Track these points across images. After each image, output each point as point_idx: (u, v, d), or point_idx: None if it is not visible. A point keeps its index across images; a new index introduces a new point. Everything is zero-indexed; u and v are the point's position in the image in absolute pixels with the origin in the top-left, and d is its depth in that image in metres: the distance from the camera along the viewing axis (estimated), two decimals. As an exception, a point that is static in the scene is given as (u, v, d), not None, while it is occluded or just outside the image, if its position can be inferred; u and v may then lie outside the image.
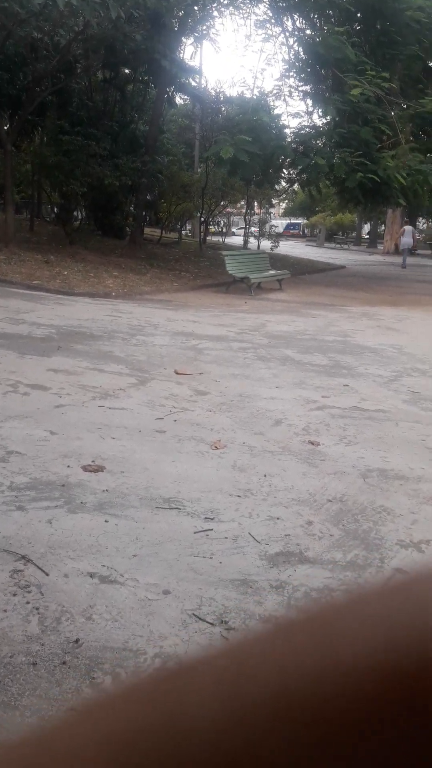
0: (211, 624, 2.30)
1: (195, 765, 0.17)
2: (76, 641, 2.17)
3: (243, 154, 12.63)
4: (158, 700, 0.18)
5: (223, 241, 25.02)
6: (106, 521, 2.96)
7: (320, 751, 0.16)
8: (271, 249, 19.98)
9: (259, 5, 15.85)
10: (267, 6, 15.82)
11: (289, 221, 42.24)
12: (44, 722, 0.20)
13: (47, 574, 2.51)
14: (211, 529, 2.96)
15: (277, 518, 3.11)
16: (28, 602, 2.35)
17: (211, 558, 2.72)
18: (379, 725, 0.16)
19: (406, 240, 23.64)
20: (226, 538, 2.89)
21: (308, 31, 15.96)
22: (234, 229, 30.61)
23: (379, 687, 0.16)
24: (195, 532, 2.92)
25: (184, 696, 0.18)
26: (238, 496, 3.33)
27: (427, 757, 0.16)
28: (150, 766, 0.17)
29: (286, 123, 16.38)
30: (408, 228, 24.35)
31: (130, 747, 0.18)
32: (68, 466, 3.53)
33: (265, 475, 3.61)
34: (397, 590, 0.18)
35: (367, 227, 42.69)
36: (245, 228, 22.84)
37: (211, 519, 3.06)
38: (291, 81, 16.41)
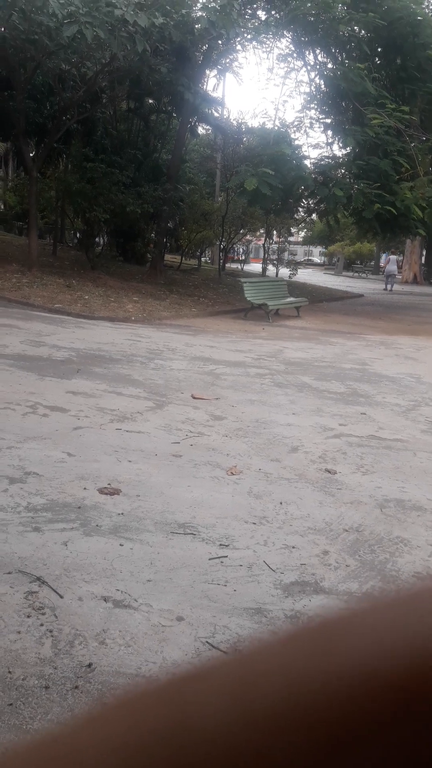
0: (225, 653, 2.27)
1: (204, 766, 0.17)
2: (89, 665, 2.15)
3: (265, 187, 12.82)
4: (164, 707, 0.19)
5: (242, 269, 25.22)
6: (121, 545, 2.96)
7: (324, 760, 0.16)
8: (290, 276, 20.09)
9: (282, 40, 16.21)
10: (289, 40, 16.16)
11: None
12: (49, 729, 0.20)
13: (62, 597, 2.51)
14: (226, 556, 2.94)
15: (293, 547, 3.09)
16: (41, 624, 2.35)
17: (225, 585, 2.70)
18: (382, 734, 0.16)
19: (391, 268, 26.12)
20: (241, 565, 2.87)
21: (329, 65, 16.25)
22: (252, 257, 30.94)
23: (382, 697, 0.17)
24: (210, 559, 2.91)
25: (190, 704, 0.18)
26: (254, 524, 3.31)
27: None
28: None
29: (306, 154, 16.63)
30: (392, 257, 27.07)
31: (135, 754, 0.18)
32: (85, 489, 3.54)
33: (281, 503, 3.59)
34: (398, 602, 0.19)
35: (385, 256, 42.77)
36: (264, 256, 23.03)
37: (226, 546, 3.04)
38: (312, 113, 16.69)
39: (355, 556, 3.05)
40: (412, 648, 0.17)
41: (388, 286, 25.71)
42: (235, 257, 26.39)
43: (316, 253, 52.07)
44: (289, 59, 16.78)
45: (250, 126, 19.23)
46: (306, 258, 25.25)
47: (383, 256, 28.40)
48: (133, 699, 0.20)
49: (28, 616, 2.39)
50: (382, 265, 28.85)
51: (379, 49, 15.15)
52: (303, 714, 0.17)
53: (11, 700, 1.98)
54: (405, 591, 0.19)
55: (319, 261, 49.39)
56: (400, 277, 29.59)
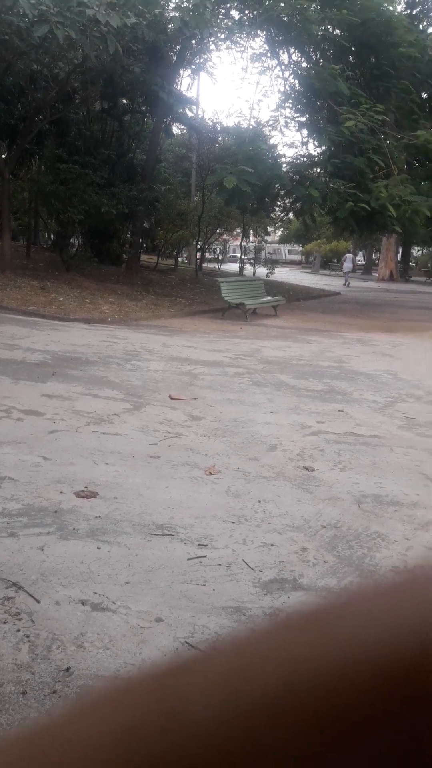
0: (204, 652, 2.27)
1: (196, 760, 0.17)
2: (67, 670, 2.13)
3: (244, 184, 12.85)
4: (159, 696, 0.19)
5: (219, 268, 25.24)
6: (98, 548, 2.94)
7: (320, 746, 0.17)
8: (267, 276, 20.15)
9: (256, 39, 16.26)
10: (263, 40, 16.22)
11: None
12: (44, 718, 0.20)
13: (38, 602, 2.48)
14: (205, 556, 2.93)
15: (271, 545, 3.09)
16: (18, 630, 2.32)
17: (204, 585, 2.69)
18: (377, 720, 0.17)
19: (348, 265, 29.42)
20: (220, 565, 2.87)
21: (304, 64, 16.34)
22: (230, 256, 31.08)
23: (376, 683, 0.17)
24: (188, 559, 2.90)
25: (185, 692, 0.18)
26: (232, 522, 3.31)
27: (430, 752, 0.16)
28: (151, 762, 0.17)
29: (282, 153, 16.68)
30: (349, 255, 30.69)
31: (131, 742, 0.18)
32: (61, 492, 3.51)
33: (259, 501, 3.60)
34: (392, 589, 0.19)
35: (362, 254, 43.25)
36: (241, 255, 23.08)
37: (205, 545, 3.04)
38: (287, 112, 16.77)
39: (333, 552, 3.06)
40: (409, 633, 0.17)
41: (346, 282, 28.24)
42: (219, 257, 26.44)
43: (285, 252, 52.64)
44: (264, 59, 16.85)
45: (225, 125, 19.28)
46: (270, 253, 26.27)
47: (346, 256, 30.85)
48: (124, 690, 0.20)
49: (5, 622, 2.36)
50: (342, 263, 31.70)
51: (353, 48, 15.26)
52: (293, 702, 0.17)
53: (-13, 708, 1.95)
54: (383, 583, 0.19)
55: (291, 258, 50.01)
56: (351, 273, 32.00)
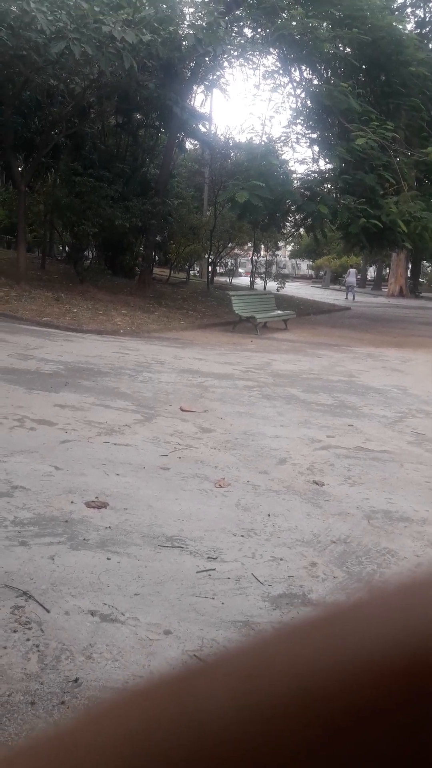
0: (212, 662, 2.26)
1: (205, 763, 0.17)
2: (76, 680, 2.14)
3: (256, 199, 12.96)
4: (174, 698, 0.19)
5: (230, 282, 25.34)
6: (108, 559, 2.95)
7: (332, 745, 0.17)
8: (278, 290, 20.20)
9: (268, 57, 16.44)
10: (275, 58, 16.40)
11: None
12: (52, 728, 0.21)
13: (48, 611, 2.50)
14: (214, 569, 2.94)
15: (281, 559, 3.09)
16: (28, 639, 2.33)
17: (213, 598, 2.69)
18: (382, 726, 0.17)
19: (350, 279, 29.75)
20: (229, 578, 2.87)
21: (315, 82, 16.50)
22: (241, 270, 31.29)
23: (384, 687, 0.17)
24: (197, 572, 2.90)
25: (200, 694, 0.19)
26: (242, 536, 3.31)
27: None
28: (160, 766, 0.18)
29: (293, 169, 16.77)
30: (352, 270, 31.22)
31: (140, 752, 0.18)
32: (72, 502, 3.53)
33: (268, 515, 3.60)
34: (403, 592, 0.20)
35: (372, 269, 43.30)
36: (252, 269, 23.17)
37: (214, 558, 3.04)
38: (298, 128, 16.91)
39: (343, 567, 3.05)
40: (419, 635, 0.18)
41: (349, 296, 28.58)
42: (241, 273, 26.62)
43: (300, 267, 52.99)
44: (276, 76, 17.04)
45: (237, 141, 19.43)
46: (280, 268, 26.84)
47: (349, 271, 31.57)
48: (135, 696, 0.20)
49: (15, 631, 2.37)
50: (344, 278, 32.39)
51: (364, 66, 15.41)
52: (303, 705, 0.17)
53: (-3, 717, 1.96)
54: (389, 595, 0.20)
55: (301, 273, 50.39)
56: (357, 288, 32.55)
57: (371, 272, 44.71)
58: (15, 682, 2.11)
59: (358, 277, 42.15)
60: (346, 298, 28.09)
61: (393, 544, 3.34)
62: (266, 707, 0.17)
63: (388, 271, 38.05)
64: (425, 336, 14.70)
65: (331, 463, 4.61)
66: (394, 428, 5.77)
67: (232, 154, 19.54)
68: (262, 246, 23.08)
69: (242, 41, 15.36)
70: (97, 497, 3.62)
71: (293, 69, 16.68)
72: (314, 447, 4.98)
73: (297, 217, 16.59)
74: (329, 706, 0.17)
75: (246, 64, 16.65)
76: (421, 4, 20.44)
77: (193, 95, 18.07)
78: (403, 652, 0.17)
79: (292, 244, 36.53)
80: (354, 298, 28.23)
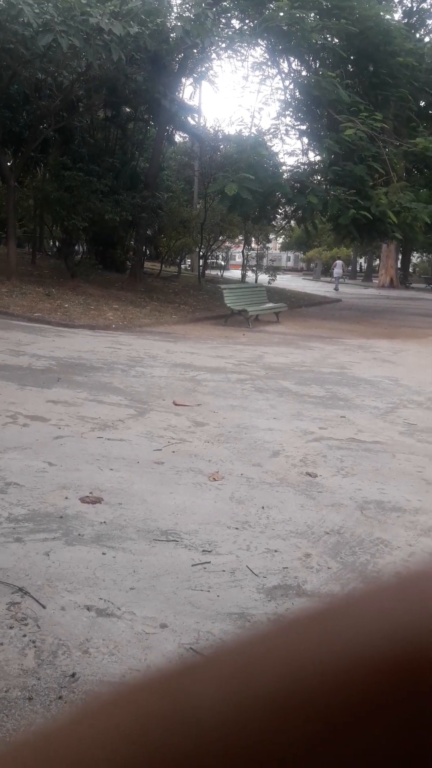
0: (208, 655, 2.28)
1: (201, 763, 0.18)
2: (73, 675, 2.15)
3: (246, 192, 12.92)
4: (171, 692, 0.19)
5: (222, 275, 25.31)
6: (103, 554, 2.96)
7: (324, 747, 0.17)
8: (269, 282, 20.20)
9: (256, 48, 16.37)
10: (264, 49, 16.33)
11: None
12: (50, 723, 0.21)
13: (44, 607, 2.50)
14: (209, 562, 2.95)
15: (275, 551, 3.11)
16: (24, 635, 2.34)
17: (208, 591, 2.71)
18: (385, 713, 0.17)
19: (337, 271, 30.78)
20: (224, 571, 2.89)
21: (303, 73, 16.44)
22: (222, 263, 31.23)
23: (381, 679, 0.18)
24: (192, 565, 2.92)
25: (197, 688, 0.19)
26: (236, 529, 3.33)
27: None
28: (157, 764, 0.18)
29: (283, 161, 16.75)
30: (339, 262, 32.01)
31: (137, 746, 0.19)
32: (66, 498, 3.53)
33: (262, 507, 3.62)
34: (396, 588, 0.20)
35: (362, 261, 43.37)
36: (243, 262, 23.15)
37: (209, 552, 3.06)
38: (287, 120, 16.87)
39: (337, 558, 3.08)
40: (414, 630, 0.18)
41: (336, 286, 29.62)
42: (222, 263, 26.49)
43: (291, 259, 52.91)
44: (264, 67, 16.96)
45: (226, 133, 19.38)
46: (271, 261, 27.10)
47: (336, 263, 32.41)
48: (132, 690, 0.20)
49: (11, 627, 2.38)
50: (332, 270, 33.25)
51: (352, 57, 15.37)
52: (300, 698, 0.18)
53: (-6, 712, 1.97)
54: (384, 586, 0.20)
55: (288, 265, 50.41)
56: (343, 279, 33.34)
57: (362, 264, 44.77)
58: (12, 677, 2.13)
59: (349, 268, 42.31)
60: (335, 289, 28.85)
61: (386, 534, 3.36)
62: (263, 701, 0.18)
63: (378, 262, 38.11)
64: (416, 327, 14.75)
65: (323, 454, 4.64)
66: (386, 419, 5.80)
67: (222, 146, 19.49)
68: (253, 239, 23.05)
69: (230, 33, 15.28)
70: (91, 492, 3.63)
71: (281, 60, 16.61)
72: (307, 439, 5.00)
73: (287, 209, 16.58)
74: (327, 700, 0.17)
75: (234, 55, 16.58)
76: (409, -6, 20.42)
77: (182, 88, 17.98)
78: (399, 643, 0.17)
79: (283, 236, 36.51)
80: (336, 288, 29.12)
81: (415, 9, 21.51)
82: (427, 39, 19.84)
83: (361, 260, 45.00)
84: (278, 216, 18.69)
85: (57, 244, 19.11)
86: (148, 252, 21.45)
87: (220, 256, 24.52)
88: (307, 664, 0.18)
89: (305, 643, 0.18)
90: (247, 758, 0.17)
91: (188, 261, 26.10)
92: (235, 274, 26.83)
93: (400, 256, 37.20)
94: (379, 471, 4.35)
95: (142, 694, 0.20)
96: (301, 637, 0.19)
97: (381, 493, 3.94)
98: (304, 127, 16.80)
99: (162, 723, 0.18)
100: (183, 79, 17.11)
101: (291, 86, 16.68)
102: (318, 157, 16.38)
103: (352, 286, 33.26)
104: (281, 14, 13.52)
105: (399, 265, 37.16)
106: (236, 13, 15.63)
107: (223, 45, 15.45)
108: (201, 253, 21.15)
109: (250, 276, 22.86)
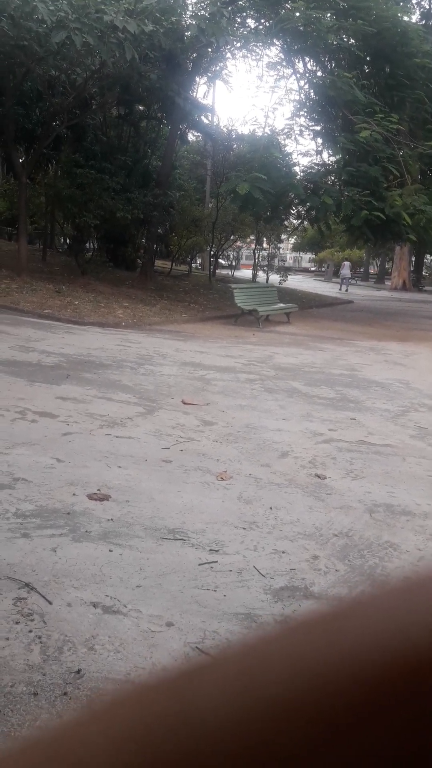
0: (214, 655, 2.27)
1: (207, 761, 0.17)
2: (78, 672, 2.14)
3: (257, 192, 12.89)
4: (176, 691, 0.19)
5: (232, 275, 25.29)
6: (110, 551, 2.95)
7: (334, 741, 0.17)
8: (280, 283, 20.15)
9: (271, 48, 16.31)
10: (279, 49, 16.28)
11: None
12: (55, 720, 0.20)
13: (50, 603, 2.50)
14: (216, 562, 2.94)
15: (283, 552, 3.09)
16: (30, 631, 2.33)
17: (215, 591, 2.70)
18: (390, 714, 0.17)
19: (345, 272, 30.96)
20: (231, 570, 2.87)
21: (319, 73, 16.38)
22: (223, 262, 31.26)
23: (387, 683, 0.17)
24: (199, 564, 2.90)
25: (202, 687, 0.19)
26: (244, 529, 3.31)
27: None
28: (161, 763, 0.18)
29: (296, 161, 16.69)
30: (347, 263, 32.02)
31: (142, 744, 0.18)
32: (74, 494, 3.53)
33: (270, 508, 3.60)
34: (404, 592, 0.19)
35: (375, 263, 43.23)
36: (254, 262, 23.12)
37: (216, 551, 3.04)
38: (302, 120, 16.80)
39: (345, 561, 3.05)
40: (417, 633, 0.18)
41: (343, 287, 29.78)
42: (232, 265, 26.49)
43: (302, 260, 52.90)
44: (279, 67, 16.90)
45: (240, 133, 19.34)
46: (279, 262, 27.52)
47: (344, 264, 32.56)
48: (137, 689, 0.20)
49: (17, 623, 2.37)
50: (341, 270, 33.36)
51: (368, 58, 15.28)
52: (305, 700, 0.17)
53: (-1, 708, 1.97)
54: (391, 589, 0.20)
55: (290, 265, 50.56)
56: (353, 280, 33.81)
57: (374, 266, 44.61)
58: (18, 673, 2.12)
59: (361, 270, 42.20)
60: (340, 290, 29.15)
61: (395, 537, 3.34)
62: (268, 702, 0.17)
63: (391, 264, 37.94)
64: (428, 330, 14.67)
65: (333, 456, 4.61)
66: (397, 422, 5.76)
67: (235, 146, 19.46)
68: (265, 239, 23.02)
69: (245, 32, 15.23)
70: (99, 489, 3.62)
71: (297, 60, 16.55)
72: (316, 440, 4.98)
73: (300, 209, 16.52)
74: (332, 702, 0.17)
75: (249, 55, 16.52)
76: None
77: (196, 86, 17.95)
78: (405, 648, 0.17)
79: (295, 237, 36.44)
80: (346, 289, 29.33)
81: (432, 11, 21.40)
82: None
83: (373, 263, 44.84)
84: (291, 216, 18.64)
85: (68, 241, 19.16)
86: (158, 250, 21.47)
87: (231, 256, 24.52)
88: (313, 666, 0.18)
89: (312, 645, 0.18)
90: (251, 759, 0.17)
91: (199, 260, 26.09)
92: (246, 273, 26.83)
93: (413, 259, 37.02)
94: (389, 474, 4.32)
95: (147, 694, 0.20)
96: (307, 639, 0.19)
97: (390, 497, 3.90)
98: (318, 128, 16.73)
99: (166, 722, 0.18)
100: (197, 78, 17.09)
101: (306, 86, 16.62)
102: (332, 158, 16.32)
103: (363, 288, 33.14)
104: (297, 14, 13.47)
105: (412, 268, 36.96)
106: (252, 13, 15.59)
107: (238, 44, 15.41)
108: (212, 253, 21.13)
109: (261, 276, 22.84)
